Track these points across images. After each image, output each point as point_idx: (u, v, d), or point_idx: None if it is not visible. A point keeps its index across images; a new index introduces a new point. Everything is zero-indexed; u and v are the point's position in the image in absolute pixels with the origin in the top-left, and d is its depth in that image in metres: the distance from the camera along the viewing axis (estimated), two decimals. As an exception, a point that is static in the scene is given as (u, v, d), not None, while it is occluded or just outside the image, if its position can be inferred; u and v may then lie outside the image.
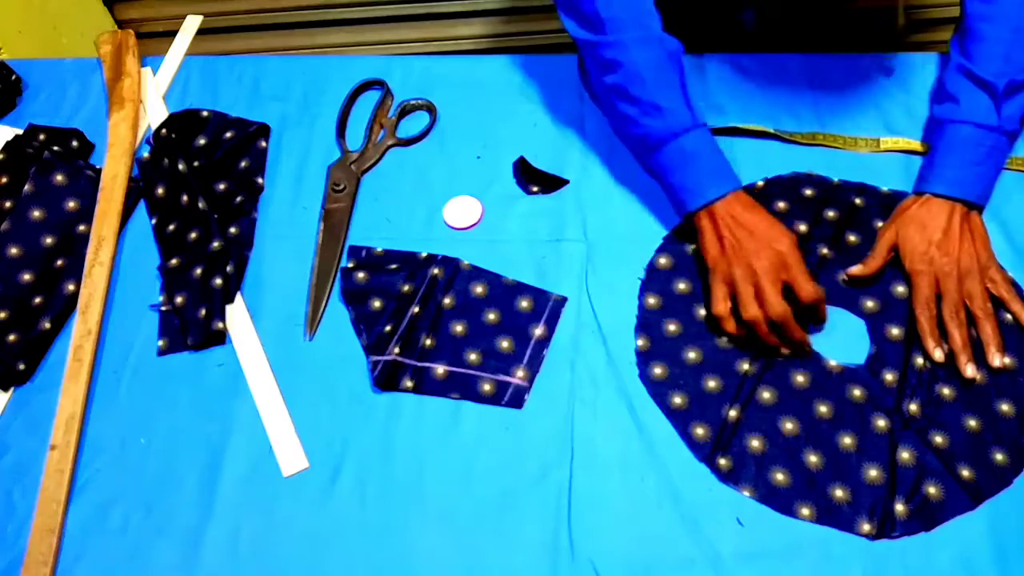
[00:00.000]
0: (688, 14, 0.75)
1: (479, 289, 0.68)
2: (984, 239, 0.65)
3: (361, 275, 0.68)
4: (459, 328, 0.66)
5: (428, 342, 0.65)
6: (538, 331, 0.65)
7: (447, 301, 0.67)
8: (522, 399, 0.63)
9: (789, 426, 0.60)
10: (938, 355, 0.61)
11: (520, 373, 0.64)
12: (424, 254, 0.70)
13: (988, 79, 0.65)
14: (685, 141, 0.65)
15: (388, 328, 0.65)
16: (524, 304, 0.67)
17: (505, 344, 0.65)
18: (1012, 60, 0.65)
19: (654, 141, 0.66)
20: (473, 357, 0.64)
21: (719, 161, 0.66)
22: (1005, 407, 0.60)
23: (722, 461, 0.59)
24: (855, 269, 0.65)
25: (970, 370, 0.60)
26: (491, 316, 0.66)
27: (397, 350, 0.64)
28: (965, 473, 0.57)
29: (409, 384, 0.63)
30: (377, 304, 0.67)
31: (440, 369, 0.64)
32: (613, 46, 0.66)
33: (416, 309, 0.66)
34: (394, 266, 0.69)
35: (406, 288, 0.68)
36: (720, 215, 0.64)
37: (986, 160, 0.65)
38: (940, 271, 0.62)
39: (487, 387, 0.63)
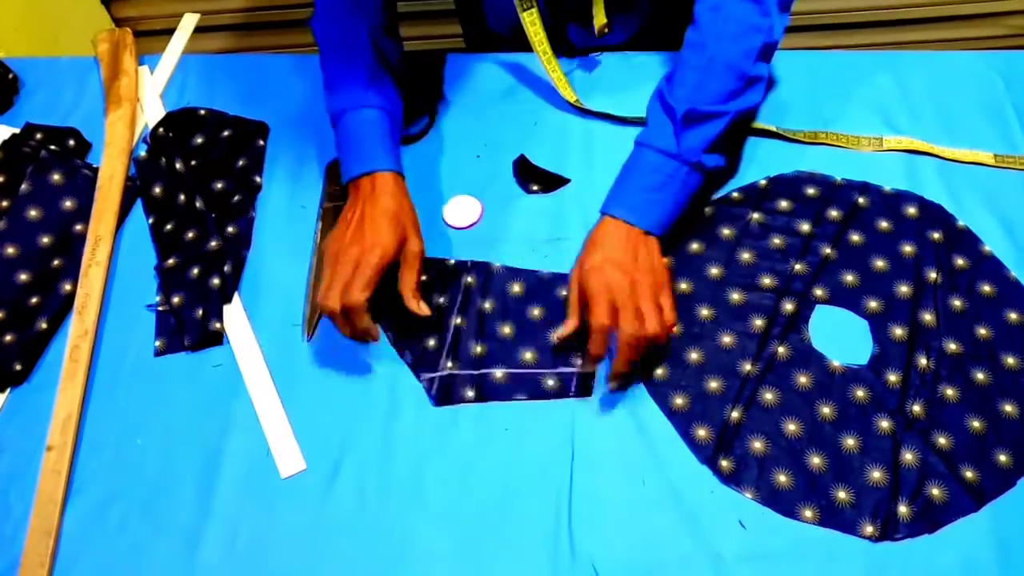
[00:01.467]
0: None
1: (516, 288, 0.67)
2: (660, 263, 0.62)
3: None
4: (506, 330, 0.65)
5: (479, 349, 0.64)
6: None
7: (487, 306, 0.66)
8: (590, 386, 0.62)
9: (792, 427, 0.60)
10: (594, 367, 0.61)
11: (580, 361, 0.63)
12: (452, 261, 0.69)
13: (672, 105, 0.63)
14: (348, 119, 0.67)
15: (432, 343, 0.65)
16: (565, 293, 0.66)
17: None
18: (703, 89, 0.62)
19: (331, 114, 0.69)
20: (528, 356, 0.64)
21: (373, 143, 0.66)
22: (1009, 408, 0.59)
23: (724, 463, 0.59)
24: (561, 332, 0.62)
25: (612, 384, 0.61)
26: (535, 312, 0.66)
27: (450, 364, 0.64)
28: (968, 475, 0.57)
29: (471, 394, 0.63)
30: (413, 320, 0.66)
31: (499, 373, 0.63)
32: (316, 28, 0.69)
33: (459, 320, 0.66)
34: (424, 279, 0.68)
35: (441, 300, 0.67)
36: (357, 193, 0.65)
37: (663, 187, 0.62)
38: (616, 287, 0.59)
39: (551, 382, 0.63)
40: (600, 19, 0.74)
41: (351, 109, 0.67)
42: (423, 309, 0.62)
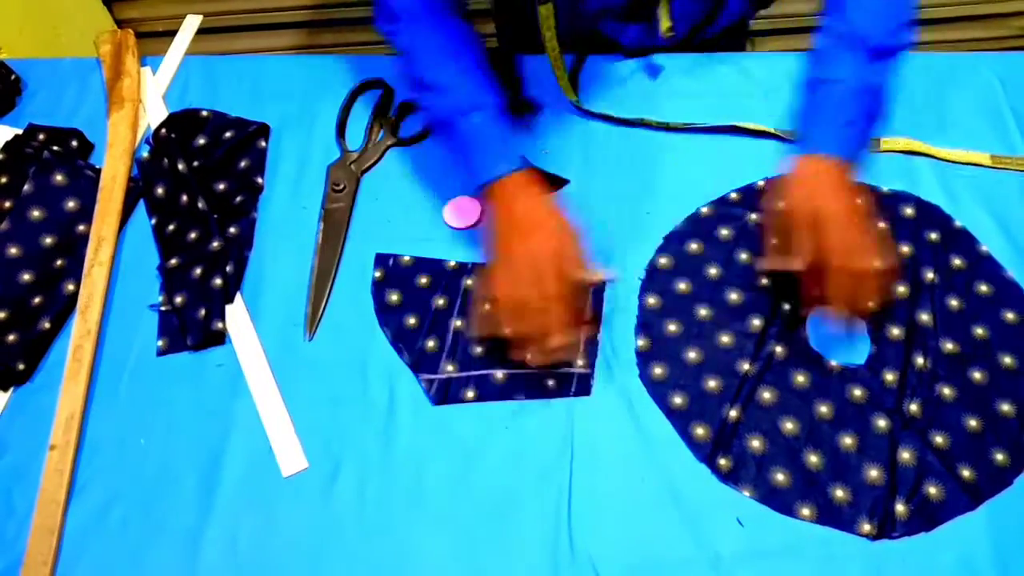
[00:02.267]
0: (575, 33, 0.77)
1: None
2: (858, 192, 0.61)
3: (395, 298, 0.68)
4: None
5: (479, 350, 0.65)
6: (586, 318, 0.65)
7: (487, 307, 0.67)
8: (589, 386, 0.63)
9: (789, 426, 0.60)
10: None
11: (579, 362, 0.63)
12: (453, 263, 0.69)
13: (858, 37, 0.62)
14: (466, 121, 0.65)
15: (431, 344, 0.65)
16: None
17: None
18: (881, 18, 0.62)
19: (439, 120, 0.67)
20: (529, 356, 0.64)
21: (498, 142, 0.65)
22: (1005, 407, 0.60)
23: (722, 461, 0.59)
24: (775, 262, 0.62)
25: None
26: None
27: (450, 368, 0.64)
28: (965, 473, 0.57)
29: (470, 395, 0.63)
30: (412, 321, 0.66)
31: (499, 374, 0.64)
32: (403, 33, 0.68)
33: (459, 323, 0.66)
34: (424, 280, 0.68)
35: (441, 302, 0.67)
36: (500, 196, 0.63)
37: (862, 118, 0.62)
38: (834, 217, 0.58)
39: (551, 382, 0.63)
40: (665, 22, 0.73)
41: (476, 108, 0.65)
42: (602, 274, 0.62)
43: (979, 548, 0.55)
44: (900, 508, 0.56)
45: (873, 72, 0.62)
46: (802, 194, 0.59)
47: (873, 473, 0.58)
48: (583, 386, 0.63)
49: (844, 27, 0.63)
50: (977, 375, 0.61)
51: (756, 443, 0.59)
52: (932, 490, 0.57)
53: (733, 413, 0.61)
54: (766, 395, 0.61)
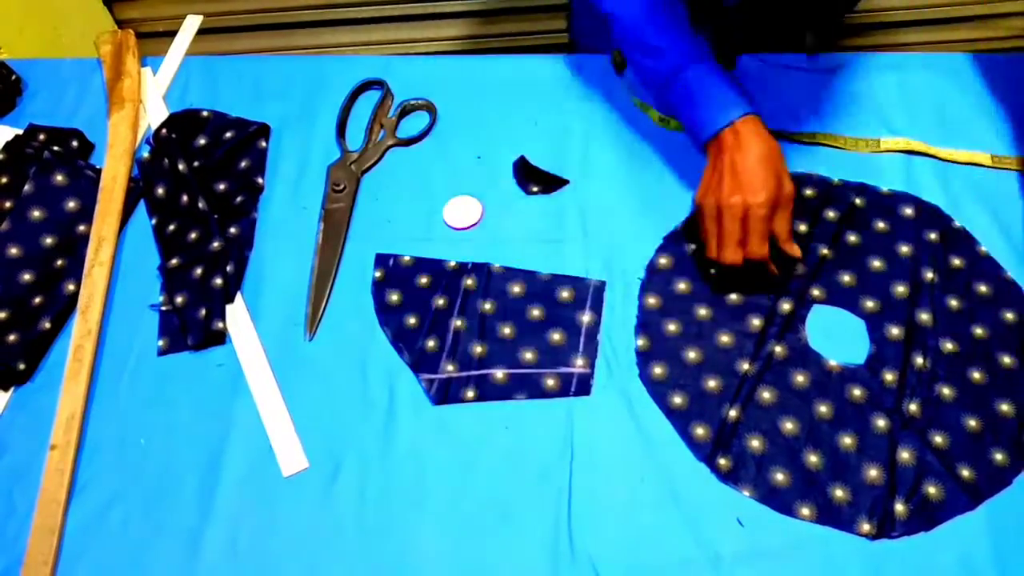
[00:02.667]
0: None
1: (516, 289, 0.68)
2: None
3: (395, 298, 0.68)
4: (507, 331, 0.66)
5: (479, 350, 0.65)
6: (585, 318, 0.66)
7: (487, 307, 0.67)
8: (589, 386, 0.63)
9: (789, 426, 0.60)
10: None
11: (580, 362, 0.64)
12: (453, 263, 0.69)
13: None
14: (686, 77, 0.64)
15: (431, 343, 0.65)
16: (565, 295, 0.67)
17: (557, 337, 0.65)
18: None
19: (661, 82, 0.66)
20: (529, 356, 0.64)
21: (722, 92, 0.64)
22: (1005, 407, 0.60)
23: (722, 461, 0.59)
24: None
25: None
26: (535, 312, 0.66)
27: (451, 367, 0.64)
28: (965, 473, 0.57)
29: (471, 394, 0.63)
30: (412, 321, 0.67)
31: (499, 374, 0.64)
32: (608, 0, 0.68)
33: (459, 322, 0.66)
34: (424, 280, 0.68)
35: (441, 302, 0.67)
36: (721, 144, 0.63)
37: None
38: None
39: (551, 382, 0.63)
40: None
41: (698, 60, 0.64)
42: (795, 251, 0.62)
43: (979, 548, 0.55)
44: (900, 508, 0.56)
45: None
46: None
47: (873, 473, 0.58)
48: (583, 386, 0.63)
49: None
50: (976, 375, 0.61)
51: (756, 443, 0.60)
52: (932, 490, 0.57)
53: (733, 413, 0.61)
54: (766, 395, 0.61)
